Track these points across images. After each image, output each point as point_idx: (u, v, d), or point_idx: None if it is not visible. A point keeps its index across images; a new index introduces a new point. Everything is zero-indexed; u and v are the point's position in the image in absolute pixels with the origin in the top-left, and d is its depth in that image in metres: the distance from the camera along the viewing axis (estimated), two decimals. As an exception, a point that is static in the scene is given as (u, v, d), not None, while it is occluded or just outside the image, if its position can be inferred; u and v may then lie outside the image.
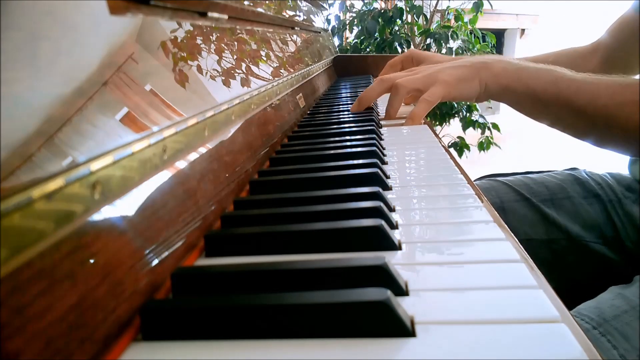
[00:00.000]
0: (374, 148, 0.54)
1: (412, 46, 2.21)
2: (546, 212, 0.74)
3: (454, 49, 2.21)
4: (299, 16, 1.13)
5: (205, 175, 0.38)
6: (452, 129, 2.41)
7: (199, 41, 0.47)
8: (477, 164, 2.66)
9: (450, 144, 2.27)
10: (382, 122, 0.78)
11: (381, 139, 0.65)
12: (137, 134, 0.30)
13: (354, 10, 2.35)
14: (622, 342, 0.48)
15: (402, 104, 0.75)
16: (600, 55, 0.82)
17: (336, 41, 2.34)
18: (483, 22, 2.83)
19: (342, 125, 0.73)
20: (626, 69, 0.79)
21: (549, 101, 0.60)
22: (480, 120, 2.26)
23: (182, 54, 0.42)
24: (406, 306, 0.24)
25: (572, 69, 0.62)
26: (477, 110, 2.27)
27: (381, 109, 0.95)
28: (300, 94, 0.88)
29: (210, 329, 0.24)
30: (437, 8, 2.31)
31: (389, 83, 0.72)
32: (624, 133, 0.55)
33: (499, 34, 4.50)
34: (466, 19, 2.23)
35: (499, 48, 4.43)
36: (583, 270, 0.72)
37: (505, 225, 0.35)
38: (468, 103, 2.22)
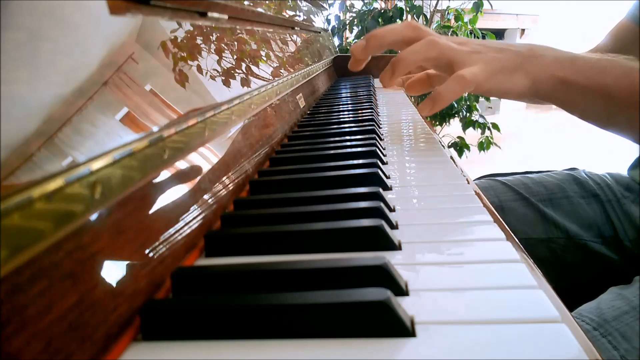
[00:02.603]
0: (374, 148, 0.54)
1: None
2: (545, 212, 0.74)
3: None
4: (299, 16, 1.13)
5: (205, 175, 0.38)
6: (452, 129, 2.42)
7: (199, 41, 0.47)
8: (477, 164, 2.66)
9: (450, 144, 2.27)
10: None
11: (381, 139, 0.65)
12: (137, 134, 0.30)
13: (354, 10, 2.35)
14: (623, 342, 0.48)
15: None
16: None
17: (336, 41, 2.34)
18: (483, 22, 2.83)
19: (342, 125, 0.73)
20: None
21: (622, 98, 0.48)
22: (480, 120, 2.26)
23: (182, 54, 0.42)
24: (406, 306, 0.24)
25: None
26: (477, 110, 2.27)
27: (382, 110, 0.95)
28: (300, 94, 0.88)
29: (210, 329, 0.24)
30: (437, 8, 2.31)
31: (423, 33, 0.55)
32: None
33: (499, 34, 4.50)
34: (466, 19, 2.23)
35: (498, 48, 4.42)
36: (582, 270, 0.72)
37: (505, 225, 0.35)
38: (467, 103, 2.22)
